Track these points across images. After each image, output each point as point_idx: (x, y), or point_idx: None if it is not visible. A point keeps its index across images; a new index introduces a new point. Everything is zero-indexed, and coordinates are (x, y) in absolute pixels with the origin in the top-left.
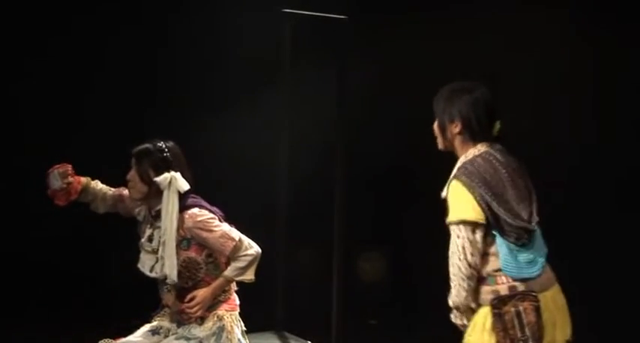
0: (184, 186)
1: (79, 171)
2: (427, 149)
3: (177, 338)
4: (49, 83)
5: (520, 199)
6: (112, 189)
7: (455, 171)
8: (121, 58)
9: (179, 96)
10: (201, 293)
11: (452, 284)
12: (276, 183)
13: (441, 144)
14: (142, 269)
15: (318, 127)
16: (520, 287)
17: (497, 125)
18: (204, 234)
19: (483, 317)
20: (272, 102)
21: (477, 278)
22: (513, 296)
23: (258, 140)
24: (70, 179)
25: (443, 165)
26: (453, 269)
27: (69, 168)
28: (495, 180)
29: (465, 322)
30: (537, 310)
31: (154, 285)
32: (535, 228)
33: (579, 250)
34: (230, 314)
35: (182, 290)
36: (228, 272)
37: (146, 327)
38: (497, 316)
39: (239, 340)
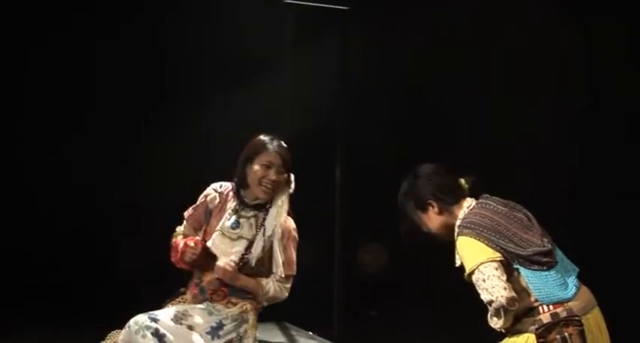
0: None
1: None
2: (429, 139)
3: (200, 308)
4: (53, 74)
5: (525, 228)
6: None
7: (456, 231)
8: (121, 46)
9: (178, 85)
10: (241, 275)
11: (497, 318)
12: None
13: (438, 234)
14: (213, 250)
15: (319, 118)
16: (562, 313)
17: (462, 181)
18: (284, 246)
19: (524, 340)
20: (273, 92)
21: (518, 314)
22: (557, 323)
23: (258, 130)
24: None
25: (445, 155)
26: (491, 310)
27: (198, 243)
28: (496, 221)
29: (508, 325)
30: (582, 334)
31: (166, 275)
32: (550, 247)
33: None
34: (255, 313)
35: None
36: (265, 283)
37: (170, 312)
38: None
39: (255, 338)
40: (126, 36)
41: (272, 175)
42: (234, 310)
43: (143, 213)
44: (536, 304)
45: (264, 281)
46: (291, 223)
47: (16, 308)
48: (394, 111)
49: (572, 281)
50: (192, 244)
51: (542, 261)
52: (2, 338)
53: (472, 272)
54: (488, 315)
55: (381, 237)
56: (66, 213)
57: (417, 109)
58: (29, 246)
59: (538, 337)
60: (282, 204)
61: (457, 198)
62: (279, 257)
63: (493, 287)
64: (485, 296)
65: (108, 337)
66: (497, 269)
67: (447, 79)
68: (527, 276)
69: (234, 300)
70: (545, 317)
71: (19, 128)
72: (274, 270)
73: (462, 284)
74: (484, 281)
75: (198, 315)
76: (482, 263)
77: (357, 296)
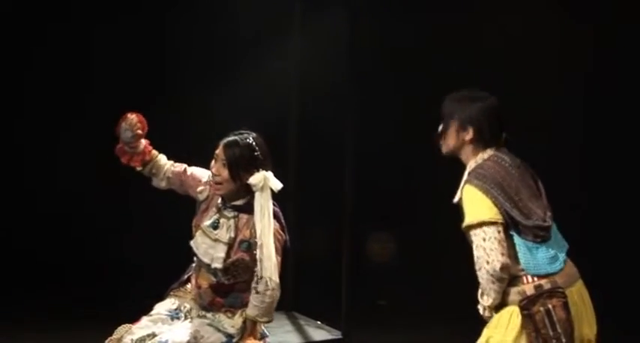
0: (278, 185)
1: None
2: (437, 122)
3: (208, 325)
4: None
5: (533, 197)
6: (175, 164)
7: (466, 176)
8: (125, 30)
9: (184, 61)
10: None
11: (482, 288)
12: (284, 164)
13: (445, 148)
14: (195, 249)
15: (327, 105)
16: (546, 285)
17: (504, 135)
18: None
19: (508, 315)
20: (281, 68)
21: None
22: (541, 295)
23: (267, 112)
24: (139, 131)
25: None
26: (481, 274)
27: (139, 118)
28: (507, 182)
29: (494, 314)
30: (566, 306)
31: (168, 266)
32: (550, 222)
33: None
34: None
35: (220, 282)
36: (252, 312)
37: (163, 309)
38: (528, 317)
39: (261, 333)
40: (130, 20)
41: (213, 167)
42: (237, 320)
43: (145, 205)
44: (521, 273)
45: (249, 312)
46: (274, 224)
47: (24, 304)
48: (406, 91)
49: (562, 256)
50: (137, 120)
51: (538, 235)
52: (7, 333)
53: (473, 226)
54: (479, 293)
55: (389, 225)
56: (66, 209)
57: (427, 92)
58: (32, 242)
59: (522, 309)
60: (263, 206)
61: (490, 144)
62: (271, 262)
63: (492, 249)
64: (479, 254)
65: (116, 332)
66: (499, 232)
67: (455, 54)
68: (519, 245)
69: (233, 310)
70: (528, 289)
71: (18, 123)
72: (262, 274)
73: (472, 274)
74: (484, 240)
75: (208, 333)
76: (485, 223)
77: (364, 285)
